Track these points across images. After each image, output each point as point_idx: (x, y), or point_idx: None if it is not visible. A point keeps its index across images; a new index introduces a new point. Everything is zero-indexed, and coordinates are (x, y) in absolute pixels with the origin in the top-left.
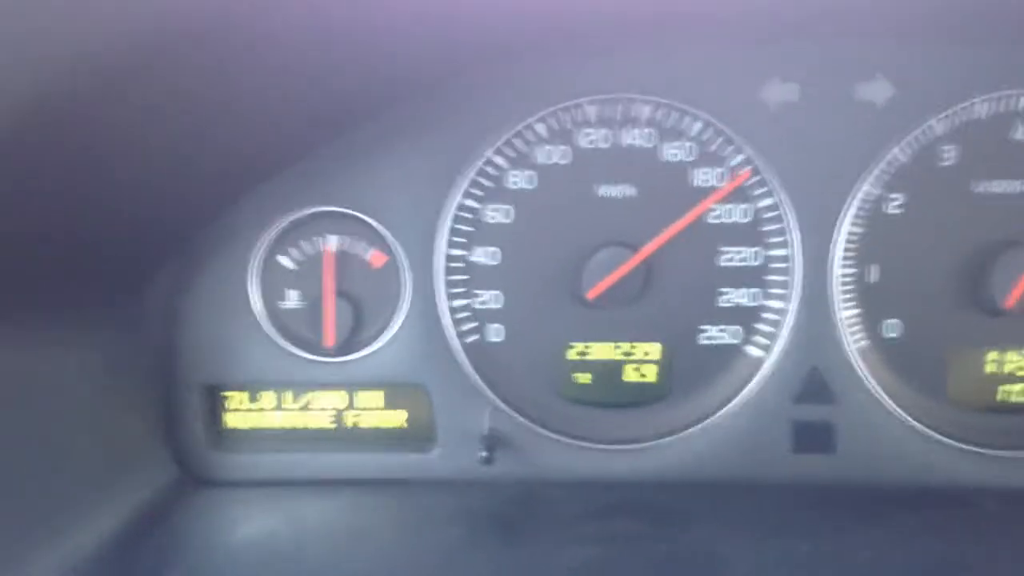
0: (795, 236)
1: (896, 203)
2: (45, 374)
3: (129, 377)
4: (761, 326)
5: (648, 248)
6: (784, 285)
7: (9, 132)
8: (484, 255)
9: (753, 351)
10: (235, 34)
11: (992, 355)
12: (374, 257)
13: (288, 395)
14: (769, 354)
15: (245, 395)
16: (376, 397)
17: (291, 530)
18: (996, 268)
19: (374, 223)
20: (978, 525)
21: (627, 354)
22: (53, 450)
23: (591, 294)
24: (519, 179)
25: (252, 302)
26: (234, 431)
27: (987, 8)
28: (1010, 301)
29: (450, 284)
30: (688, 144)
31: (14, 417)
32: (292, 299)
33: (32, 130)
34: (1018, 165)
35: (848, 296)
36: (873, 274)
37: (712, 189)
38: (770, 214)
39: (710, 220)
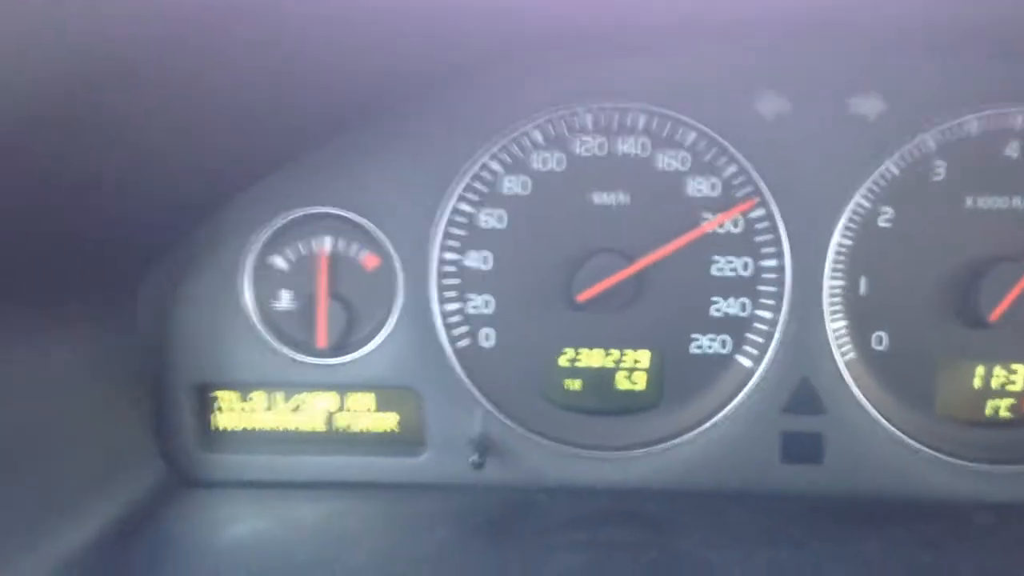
0: (786, 247)
1: (887, 216)
2: (34, 374)
3: (120, 377)
4: (752, 336)
5: (644, 260)
6: (775, 296)
7: (4, 133)
8: (477, 260)
9: (743, 361)
10: (233, 34)
11: (980, 369)
12: (367, 259)
13: (279, 396)
14: (759, 364)
15: (236, 395)
16: (367, 400)
17: (280, 532)
18: (984, 283)
19: (368, 225)
20: (965, 538)
21: (618, 361)
22: (42, 450)
23: (582, 297)
24: (513, 184)
25: (244, 302)
26: (224, 432)
27: (981, 24)
28: (995, 314)
29: (443, 288)
30: (682, 154)
31: (1, 417)
32: (285, 300)
33: (26, 129)
34: (1010, 181)
35: (838, 308)
36: (863, 286)
37: (705, 199)
38: (762, 224)
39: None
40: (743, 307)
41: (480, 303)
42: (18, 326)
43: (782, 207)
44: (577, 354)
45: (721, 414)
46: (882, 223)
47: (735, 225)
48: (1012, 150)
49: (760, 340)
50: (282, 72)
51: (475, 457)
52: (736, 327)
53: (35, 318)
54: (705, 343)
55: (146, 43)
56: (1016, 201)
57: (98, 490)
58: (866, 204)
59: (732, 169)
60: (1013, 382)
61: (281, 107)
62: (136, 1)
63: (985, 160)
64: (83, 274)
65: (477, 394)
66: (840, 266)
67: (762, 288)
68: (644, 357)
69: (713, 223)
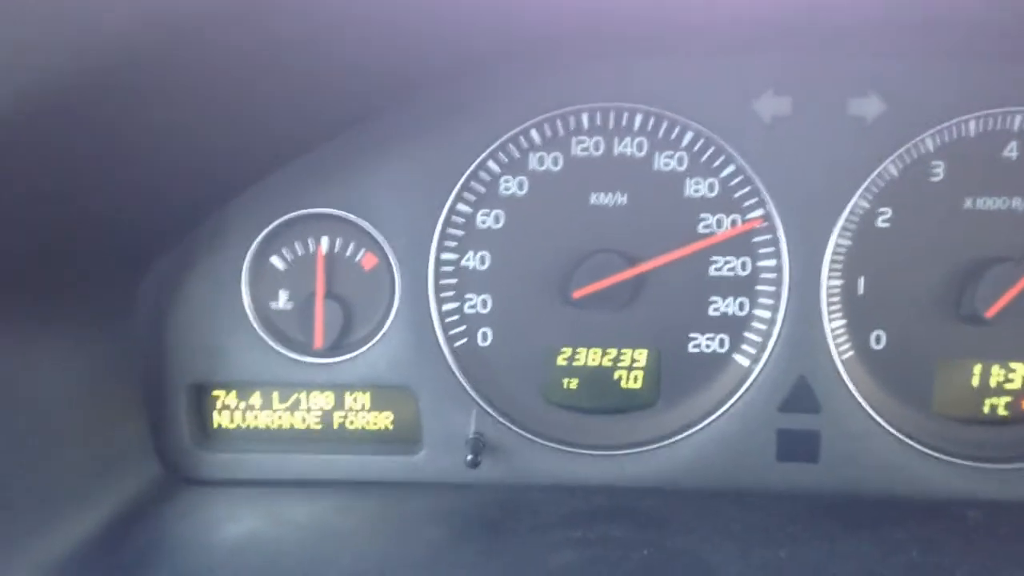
0: (784, 247)
1: (885, 217)
2: (32, 373)
3: (117, 375)
4: (749, 335)
5: (644, 265)
6: (773, 295)
7: (7, 129)
8: (474, 259)
9: (741, 360)
10: (233, 34)
11: (978, 367)
12: (365, 259)
13: (276, 395)
14: (756, 363)
15: (233, 394)
16: (364, 399)
17: (277, 530)
18: (983, 281)
19: (366, 226)
20: (961, 536)
21: (615, 360)
22: (39, 448)
23: (577, 294)
24: (511, 185)
25: (242, 302)
26: (221, 430)
27: (980, 25)
28: (992, 310)
29: (440, 288)
30: (680, 154)
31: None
32: (282, 300)
33: (30, 126)
34: (1007, 182)
35: (836, 307)
36: (861, 286)
37: (704, 199)
38: (760, 225)
39: (701, 230)
40: (741, 306)
41: (478, 303)
42: (16, 325)
43: (780, 208)
44: (575, 353)
45: (718, 412)
46: (881, 223)
47: (734, 225)
48: (1010, 151)
49: (758, 339)
50: (283, 72)
51: (470, 456)
52: (734, 326)
53: (33, 317)
54: (703, 342)
55: (154, 39)
56: (1015, 202)
57: (96, 488)
58: (865, 205)
59: (730, 170)
60: (1011, 380)
61: (281, 107)
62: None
63: (984, 161)
64: (82, 273)
65: (474, 393)
66: (838, 266)
67: (760, 288)
68: (642, 356)
69: (720, 237)
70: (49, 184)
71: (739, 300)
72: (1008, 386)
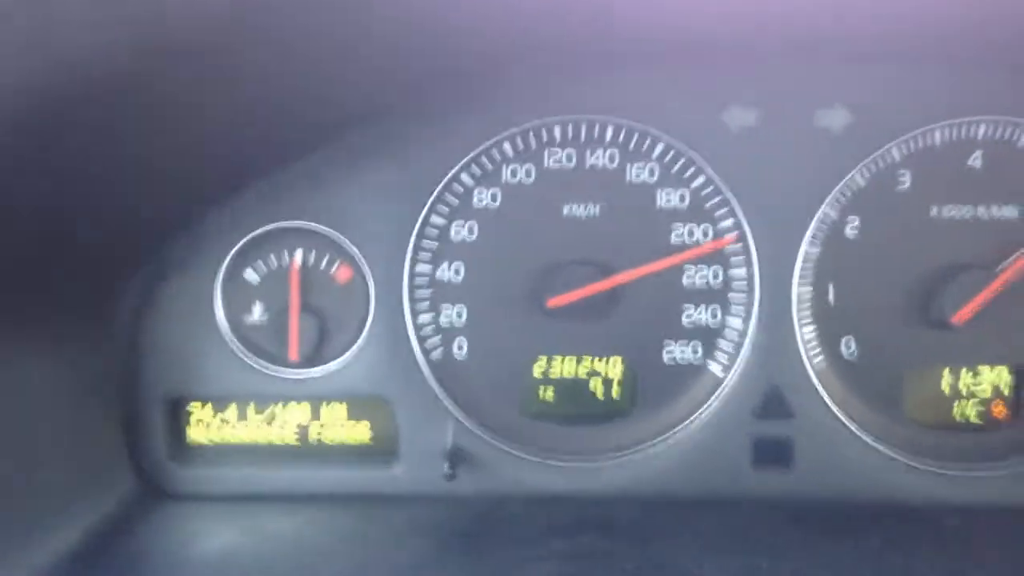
0: (755, 257)
1: (854, 226)
2: (6, 386)
3: (92, 389)
4: (722, 343)
5: (619, 277)
6: (745, 304)
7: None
8: (449, 271)
9: (714, 368)
10: (211, 50)
11: (947, 373)
12: (340, 272)
13: (252, 409)
14: (730, 371)
15: (209, 408)
16: (340, 411)
17: (253, 545)
18: (950, 289)
19: (340, 238)
20: (935, 542)
21: (591, 370)
22: (13, 462)
23: (552, 302)
24: (484, 197)
25: (217, 315)
26: (197, 444)
27: (944, 37)
28: (959, 316)
29: (415, 300)
30: (651, 165)
31: None
32: (257, 313)
33: (5, 140)
34: (972, 191)
35: (806, 316)
36: (831, 294)
37: (675, 210)
38: (731, 234)
39: (674, 241)
40: (714, 315)
41: (452, 314)
42: None
43: (750, 218)
44: (550, 363)
45: (693, 420)
46: (849, 232)
47: (705, 235)
48: (975, 160)
49: (731, 347)
50: (260, 89)
51: (447, 468)
52: (707, 335)
53: (7, 331)
54: (677, 351)
55: (132, 54)
56: (980, 210)
57: (71, 503)
58: (833, 214)
59: (701, 181)
60: (980, 385)
61: (255, 122)
62: (133, 11)
63: (949, 170)
64: (57, 287)
65: (450, 405)
66: (808, 275)
67: (732, 296)
68: (617, 365)
69: (694, 252)
70: (25, 200)
71: (712, 309)
72: (978, 391)
